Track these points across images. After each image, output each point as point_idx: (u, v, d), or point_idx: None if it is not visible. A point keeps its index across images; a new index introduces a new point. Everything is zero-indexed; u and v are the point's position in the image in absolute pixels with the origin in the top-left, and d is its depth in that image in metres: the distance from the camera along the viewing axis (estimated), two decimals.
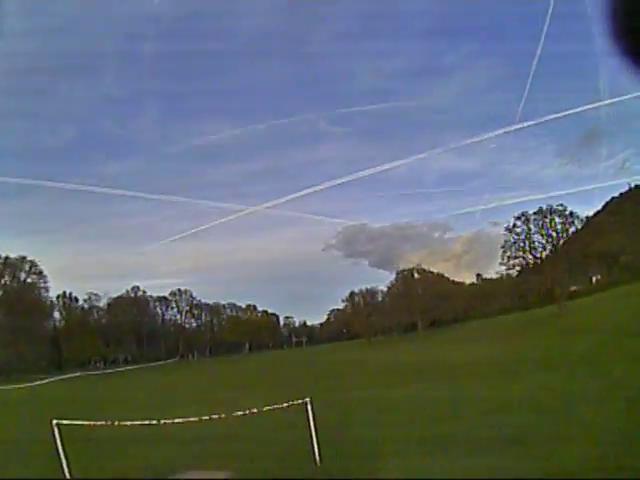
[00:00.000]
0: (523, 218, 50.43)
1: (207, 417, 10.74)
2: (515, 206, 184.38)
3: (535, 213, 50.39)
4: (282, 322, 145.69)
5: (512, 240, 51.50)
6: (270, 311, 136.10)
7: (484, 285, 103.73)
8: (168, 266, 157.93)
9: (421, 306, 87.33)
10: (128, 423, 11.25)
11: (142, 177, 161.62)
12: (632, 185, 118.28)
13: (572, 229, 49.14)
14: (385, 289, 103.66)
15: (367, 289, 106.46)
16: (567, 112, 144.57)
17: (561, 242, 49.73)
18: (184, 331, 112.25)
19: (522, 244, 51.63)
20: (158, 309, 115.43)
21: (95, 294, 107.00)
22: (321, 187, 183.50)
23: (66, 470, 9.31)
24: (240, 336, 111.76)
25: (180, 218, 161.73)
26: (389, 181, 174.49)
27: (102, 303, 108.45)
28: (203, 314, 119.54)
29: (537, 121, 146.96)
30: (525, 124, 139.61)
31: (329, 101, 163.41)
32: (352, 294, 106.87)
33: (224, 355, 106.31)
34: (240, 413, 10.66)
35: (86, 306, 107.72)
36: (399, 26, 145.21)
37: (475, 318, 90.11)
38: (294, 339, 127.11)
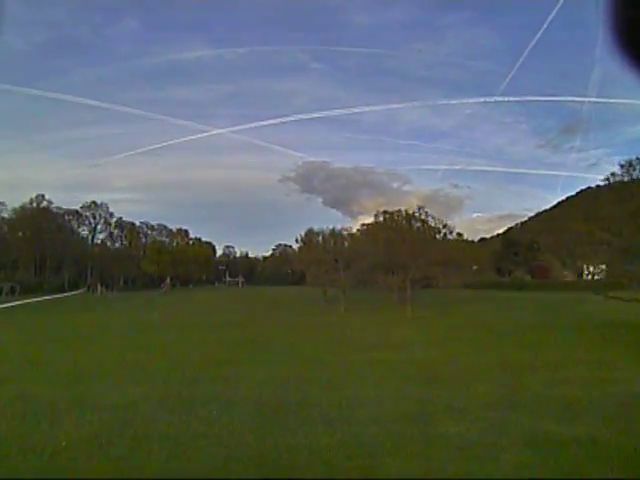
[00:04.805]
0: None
1: None
2: (479, 173, 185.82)
3: None
4: (221, 252, 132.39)
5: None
6: (205, 239, 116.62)
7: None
8: (122, 181, 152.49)
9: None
10: None
11: (109, 87, 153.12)
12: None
13: None
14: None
15: (334, 230, 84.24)
16: (551, 98, 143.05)
17: None
18: (95, 256, 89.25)
19: None
20: (67, 226, 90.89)
21: (1, 202, 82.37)
22: (289, 119, 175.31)
23: None
24: (163, 267, 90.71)
25: (141, 133, 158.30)
26: (358, 124, 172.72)
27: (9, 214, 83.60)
28: (122, 236, 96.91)
29: (519, 99, 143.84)
30: (506, 98, 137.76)
31: (313, 35, 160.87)
32: (310, 232, 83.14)
33: (141, 289, 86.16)
34: None
35: None
36: None
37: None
38: (227, 279, 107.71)
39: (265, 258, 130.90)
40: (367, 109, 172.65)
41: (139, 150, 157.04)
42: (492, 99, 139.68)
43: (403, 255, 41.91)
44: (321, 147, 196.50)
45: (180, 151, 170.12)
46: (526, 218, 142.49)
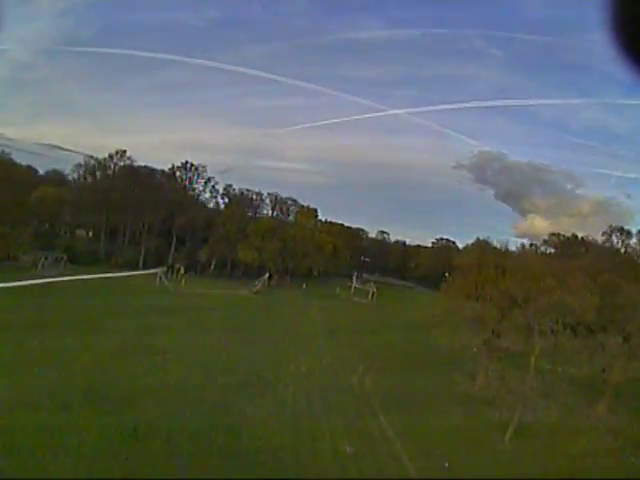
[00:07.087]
0: None
1: None
2: None
3: None
4: (374, 235, 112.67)
5: None
6: (350, 223, 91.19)
7: None
8: (292, 152, 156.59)
9: None
10: None
11: (282, 62, 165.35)
12: None
13: None
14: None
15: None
16: None
17: None
18: (181, 228, 69.76)
19: None
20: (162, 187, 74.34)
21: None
22: (465, 105, 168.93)
23: None
24: (268, 256, 64.94)
25: (314, 107, 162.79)
26: (535, 117, 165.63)
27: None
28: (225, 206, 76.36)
29: None
30: None
31: (491, 21, 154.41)
32: (481, 244, 53.74)
33: (240, 278, 63.96)
34: None
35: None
36: None
37: None
38: (354, 284, 72.66)
39: (424, 248, 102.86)
40: (544, 102, 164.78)
41: (312, 124, 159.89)
42: None
43: None
44: (496, 137, 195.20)
45: (353, 128, 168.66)
46: None
